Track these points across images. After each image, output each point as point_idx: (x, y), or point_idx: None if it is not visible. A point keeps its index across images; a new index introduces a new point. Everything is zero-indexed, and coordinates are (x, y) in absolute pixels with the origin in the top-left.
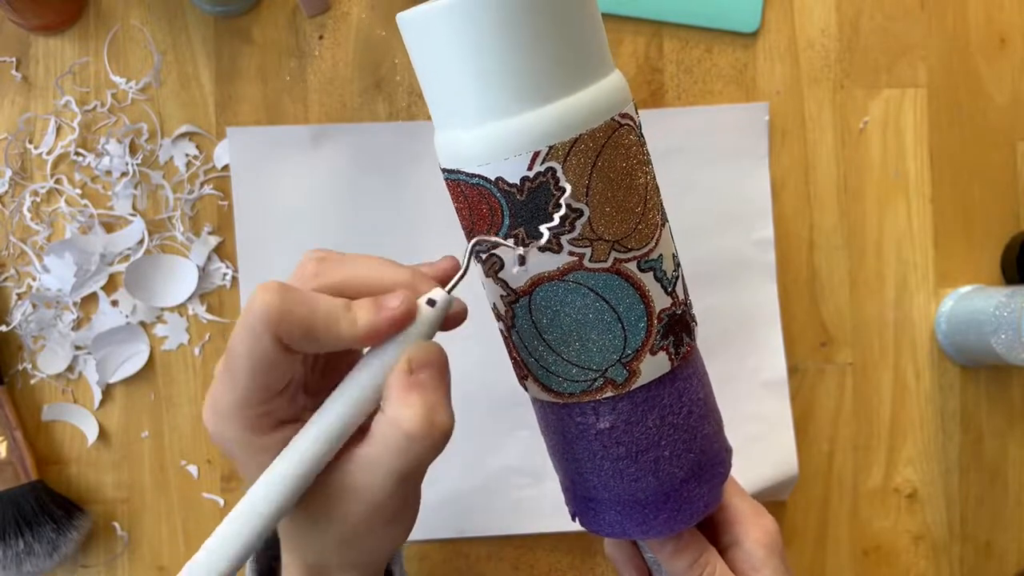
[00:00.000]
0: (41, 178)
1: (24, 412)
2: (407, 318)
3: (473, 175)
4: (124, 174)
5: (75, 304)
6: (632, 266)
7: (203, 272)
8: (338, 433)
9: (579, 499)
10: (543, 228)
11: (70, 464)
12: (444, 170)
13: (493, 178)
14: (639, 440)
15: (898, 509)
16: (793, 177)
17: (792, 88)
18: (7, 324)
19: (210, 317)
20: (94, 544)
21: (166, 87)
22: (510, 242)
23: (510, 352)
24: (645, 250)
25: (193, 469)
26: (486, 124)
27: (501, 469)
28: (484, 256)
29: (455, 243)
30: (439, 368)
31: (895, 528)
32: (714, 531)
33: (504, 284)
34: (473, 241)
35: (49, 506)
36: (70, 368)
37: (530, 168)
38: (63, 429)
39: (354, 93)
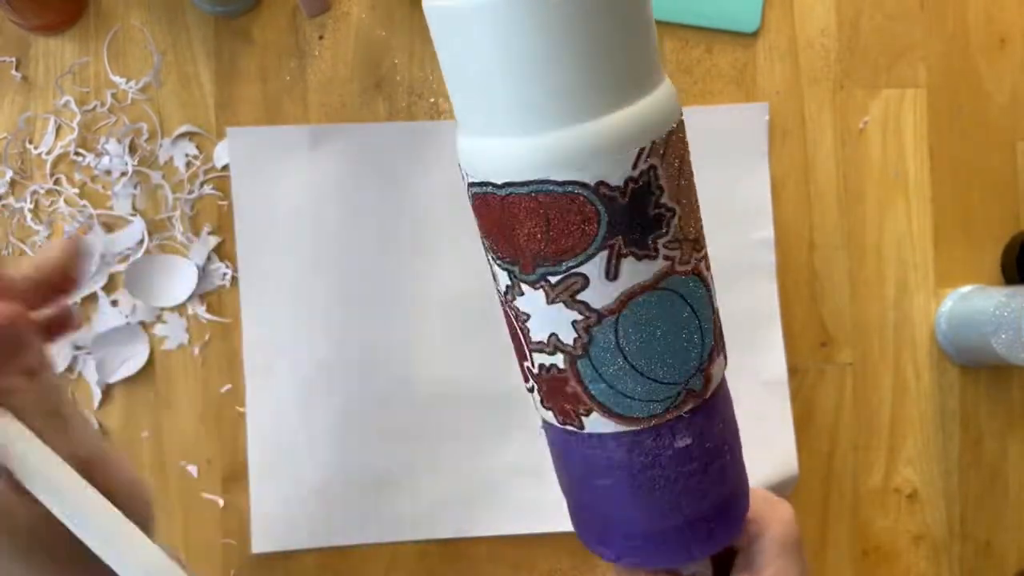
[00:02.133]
0: (41, 178)
1: None
2: None
3: (566, 183)
4: (124, 174)
5: (75, 304)
6: (703, 265)
7: (203, 272)
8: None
9: (630, 536)
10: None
11: None
12: (502, 184)
13: (593, 183)
14: (710, 451)
15: (898, 509)
16: (793, 177)
17: (792, 88)
18: None
19: (210, 317)
20: None
21: (166, 87)
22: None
23: (563, 388)
24: (706, 247)
25: (193, 469)
26: (581, 123)
27: (501, 469)
28: (556, 280)
29: (455, 243)
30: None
31: (895, 528)
32: None
33: (584, 306)
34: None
35: None
36: (70, 368)
37: (634, 167)
38: None
39: (354, 93)
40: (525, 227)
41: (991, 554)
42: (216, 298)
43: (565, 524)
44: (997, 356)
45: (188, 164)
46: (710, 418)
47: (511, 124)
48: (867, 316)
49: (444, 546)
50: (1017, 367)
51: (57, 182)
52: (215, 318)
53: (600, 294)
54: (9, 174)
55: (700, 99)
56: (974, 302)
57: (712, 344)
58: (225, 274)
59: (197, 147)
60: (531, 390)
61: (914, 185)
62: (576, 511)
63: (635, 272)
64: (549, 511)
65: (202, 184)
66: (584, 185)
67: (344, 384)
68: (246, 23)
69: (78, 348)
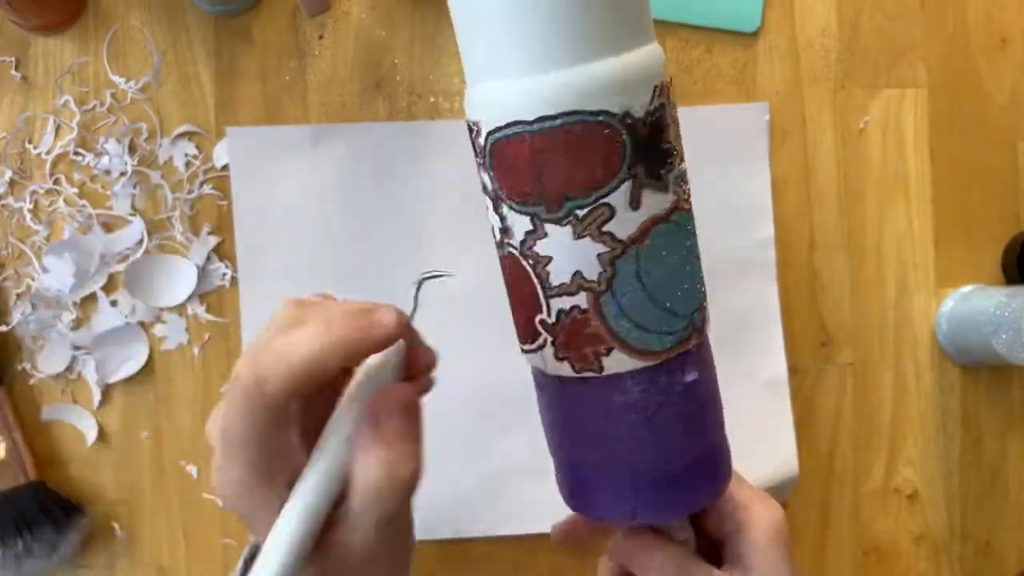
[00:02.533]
0: (40, 178)
1: (23, 412)
2: (385, 339)
3: (598, 112)
4: (123, 174)
5: (74, 304)
6: (692, 205)
7: (202, 272)
8: (326, 491)
9: (641, 488)
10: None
11: (69, 464)
12: (534, 120)
13: (620, 113)
14: (711, 387)
15: (898, 509)
16: (793, 177)
17: (792, 88)
18: (7, 324)
19: (209, 317)
20: (93, 544)
21: (166, 87)
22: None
23: (583, 329)
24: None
25: (193, 469)
26: (611, 57)
27: (501, 469)
28: (584, 213)
29: (455, 243)
30: (405, 415)
31: (895, 528)
32: (720, 516)
33: (610, 237)
34: (420, 278)
35: (48, 507)
36: (69, 368)
37: (651, 102)
38: (62, 429)
39: (354, 93)
40: (557, 160)
41: (991, 554)
42: (216, 298)
43: None
44: (997, 356)
45: (188, 164)
46: (709, 354)
47: (547, 59)
48: (867, 316)
49: (444, 546)
50: (1017, 367)
51: (56, 182)
52: (215, 318)
53: (624, 224)
54: (8, 174)
55: (700, 99)
56: (974, 302)
57: (703, 282)
58: (225, 274)
59: (197, 147)
60: (539, 348)
61: (914, 185)
62: (584, 476)
63: (653, 202)
64: (549, 511)
65: (202, 184)
66: (613, 115)
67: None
68: (246, 23)
69: (78, 348)
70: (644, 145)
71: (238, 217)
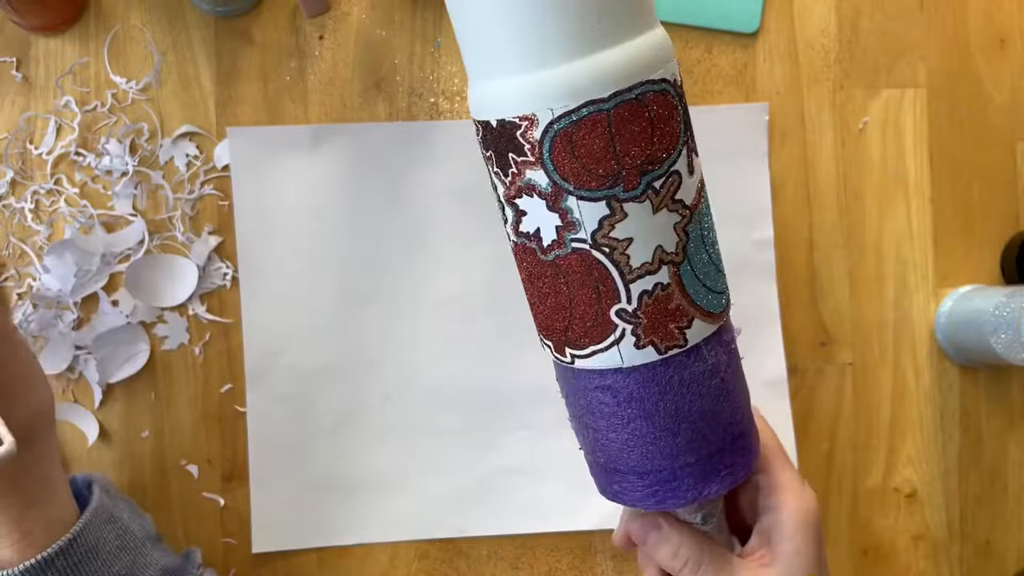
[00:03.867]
0: (41, 178)
1: None
2: None
3: (660, 80)
4: (124, 174)
5: (75, 304)
6: None
7: (203, 272)
8: None
9: (708, 457)
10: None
11: (70, 464)
12: (610, 96)
13: (672, 80)
14: (739, 358)
15: (898, 509)
16: (793, 177)
17: (792, 88)
18: None
19: (210, 317)
20: None
21: (166, 87)
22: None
23: (667, 306)
24: None
25: (193, 469)
26: (655, 28)
27: (501, 469)
28: (660, 183)
29: (455, 242)
30: None
31: (895, 528)
32: (751, 497)
33: (681, 205)
34: None
35: None
36: (70, 368)
37: (679, 73)
38: (63, 429)
39: (354, 93)
40: (634, 132)
41: (991, 554)
42: (216, 298)
43: (565, 524)
44: (997, 356)
45: (188, 164)
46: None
47: (618, 34)
48: (867, 316)
49: (444, 546)
50: (1017, 367)
51: (58, 182)
52: (215, 318)
53: (688, 190)
54: (10, 174)
55: (700, 99)
56: (974, 302)
57: None
58: (225, 274)
59: (197, 147)
60: (614, 343)
61: (914, 185)
62: (665, 464)
63: (697, 166)
64: (549, 511)
65: (202, 184)
66: (669, 83)
67: (344, 384)
68: (246, 23)
69: (79, 348)
70: (686, 112)
71: (239, 217)
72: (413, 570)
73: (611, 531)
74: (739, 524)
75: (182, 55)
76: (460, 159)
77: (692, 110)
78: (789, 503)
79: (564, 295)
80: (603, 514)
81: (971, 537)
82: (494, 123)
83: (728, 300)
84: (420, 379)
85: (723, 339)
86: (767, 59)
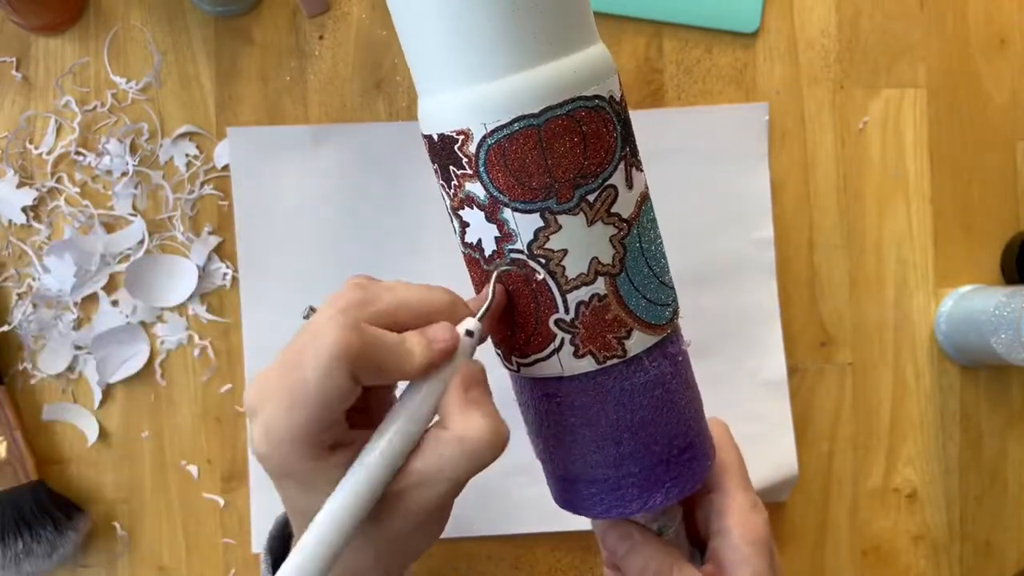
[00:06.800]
0: (42, 178)
1: (24, 412)
2: (454, 349)
3: (593, 97)
4: (124, 174)
5: (75, 304)
6: None
7: (203, 272)
8: (402, 450)
9: (651, 467)
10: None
11: (70, 464)
12: (540, 112)
13: (607, 96)
14: (689, 370)
15: (898, 509)
16: (793, 177)
17: (792, 88)
18: (7, 324)
19: (210, 317)
20: (94, 544)
21: (166, 87)
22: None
23: (604, 316)
24: None
25: (193, 469)
26: (597, 43)
27: (501, 469)
28: (594, 197)
29: (454, 242)
30: (485, 384)
31: (895, 528)
32: (705, 517)
33: (617, 218)
34: (497, 270)
35: (49, 507)
36: (70, 368)
37: (619, 88)
38: (63, 429)
39: (354, 93)
40: (565, 147)
41: (991, 554)
42: (216, 298)
43: (565, 524)
44: (997, 356)
45: (188, 164)
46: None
47: (553, 50)
48: (867, 316)
49: (444, 546)
50: (1017, 367)
51: (58, 181)
52: (215, 318)
53: (625, 203)
54: (10, 174)
55: (700, 99)
56: (974, 302)
57: None
58: (225, 274)
59: (197, 147)
60: (554, 351)
61: (914, 185)
62: (601, 475)
63: (638, 180)
64: (549, 511)
65: (202, 184)
66: (604, 99)
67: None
68: (246, 23)
69: (78, 348)
70: (625, 126)
71: (239, 217)
72: (413, 570)
73: None
74: (697, 537)
75: (182, 55)
76: None
77: (692, 110)
78: (736, 528)
79: (513, 303)
80: None
81: (971, 537)
82: (436, 137)
83: (675, 312)
84: None
85: (668, 351)
86: (767, 59)
